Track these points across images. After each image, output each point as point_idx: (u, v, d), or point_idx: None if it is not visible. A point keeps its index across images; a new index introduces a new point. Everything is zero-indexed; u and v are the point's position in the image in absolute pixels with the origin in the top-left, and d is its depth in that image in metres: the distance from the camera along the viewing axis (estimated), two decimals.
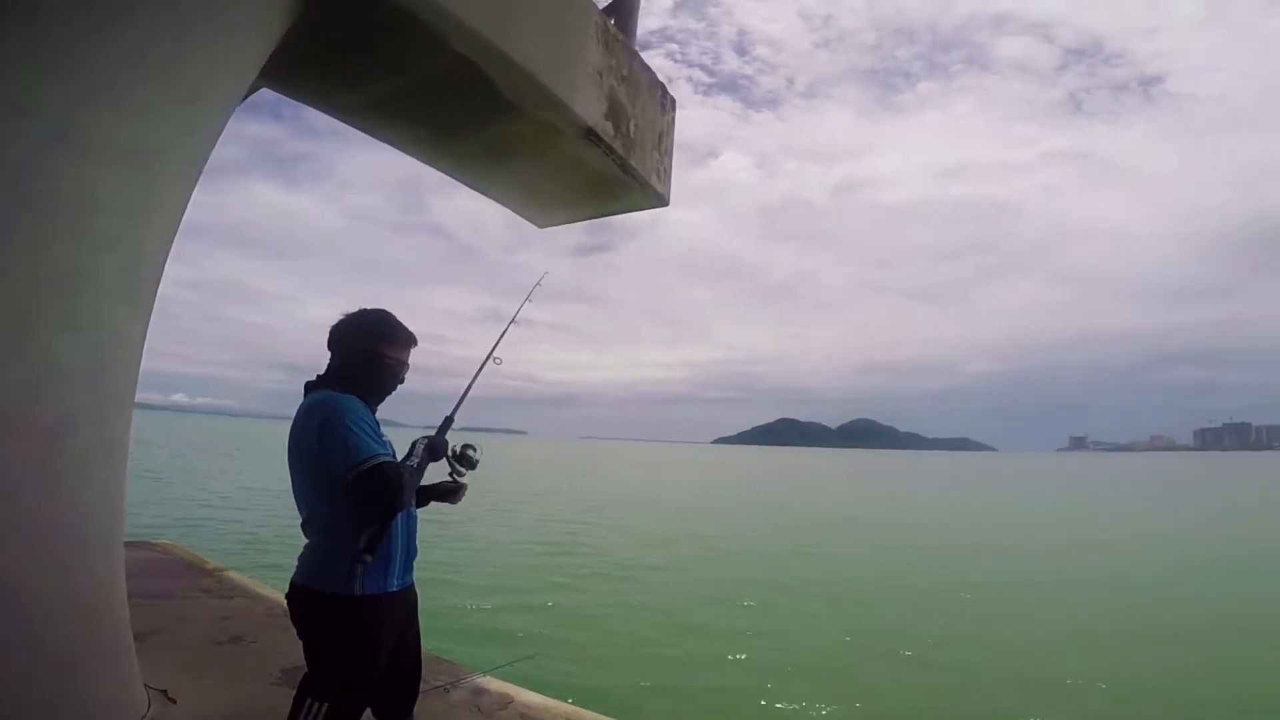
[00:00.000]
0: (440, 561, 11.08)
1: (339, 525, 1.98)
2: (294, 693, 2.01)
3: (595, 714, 2.96)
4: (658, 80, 4.38)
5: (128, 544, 6.08)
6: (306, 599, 2.01)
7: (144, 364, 2.64)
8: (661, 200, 4.77)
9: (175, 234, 2.71)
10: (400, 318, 2.15)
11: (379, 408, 2.16)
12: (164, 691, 2.82)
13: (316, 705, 1.99)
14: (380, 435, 1.99)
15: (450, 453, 2.23)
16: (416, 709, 2.55)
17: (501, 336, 2.48)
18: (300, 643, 2.00)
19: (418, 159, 4.38)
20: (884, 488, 43.01)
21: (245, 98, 4.37)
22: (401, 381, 2.17)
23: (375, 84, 3.42)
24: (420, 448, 2.11)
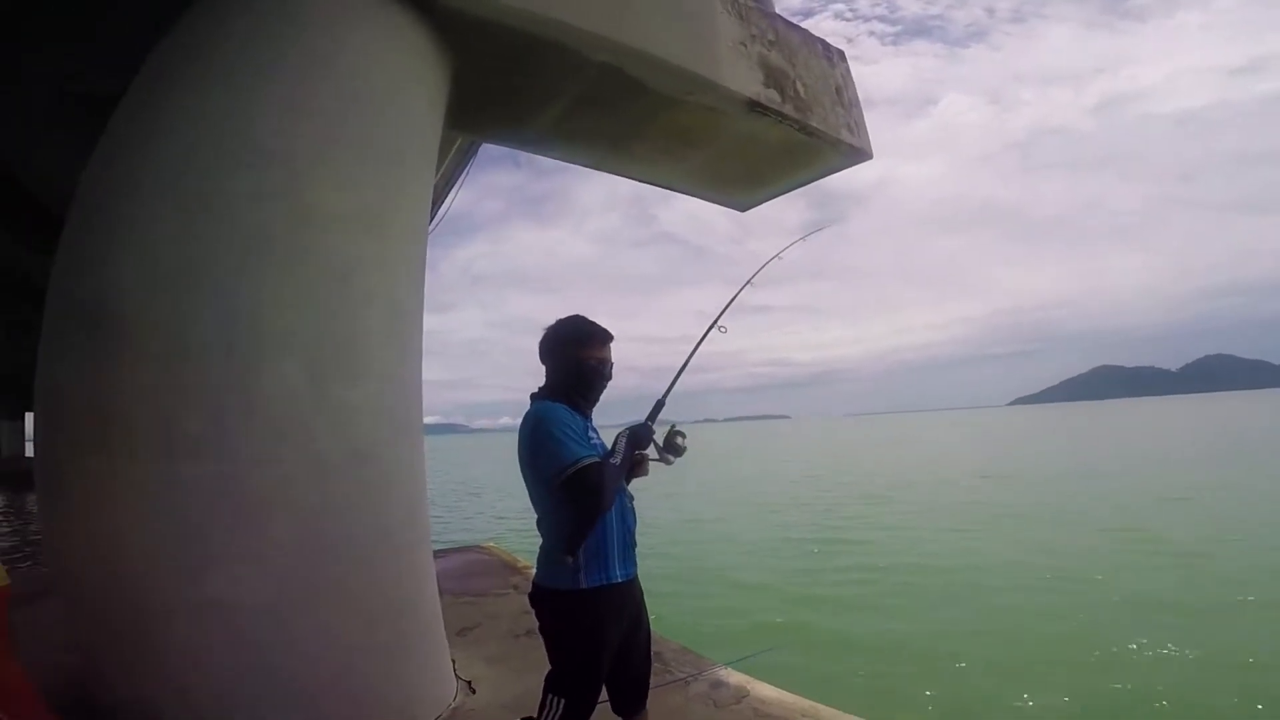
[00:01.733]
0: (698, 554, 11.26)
1: (556, 526, 2.12)
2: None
3: (834, 710, 2.81)
4: (813, 36, 4.06)
5: (459, 549, 7.14)
6: (539, 595, 2.18)
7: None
8: (862, 154, 4.42)
9: (422, 283, 3.06)
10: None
11: (601, 409, 2.30)
12: (469, 682, 3.20)
13: (555, 699, 2.15)
14: (586, 437, 2.11)
15: (655, 440, 2.26)
16: (655, 702, 2.64)
17: (727, 306, 2.53)
18: None
19: (610, 171, 4.60)
20: None
21: (453, 149, 4.92)
22: (609, 378, 2.25)
23: (544, 111, 3.68)
24: (622, 442, 2.18)
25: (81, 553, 2.38)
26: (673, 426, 2.30)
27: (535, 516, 2.18)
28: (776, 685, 3.13)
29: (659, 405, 2.34)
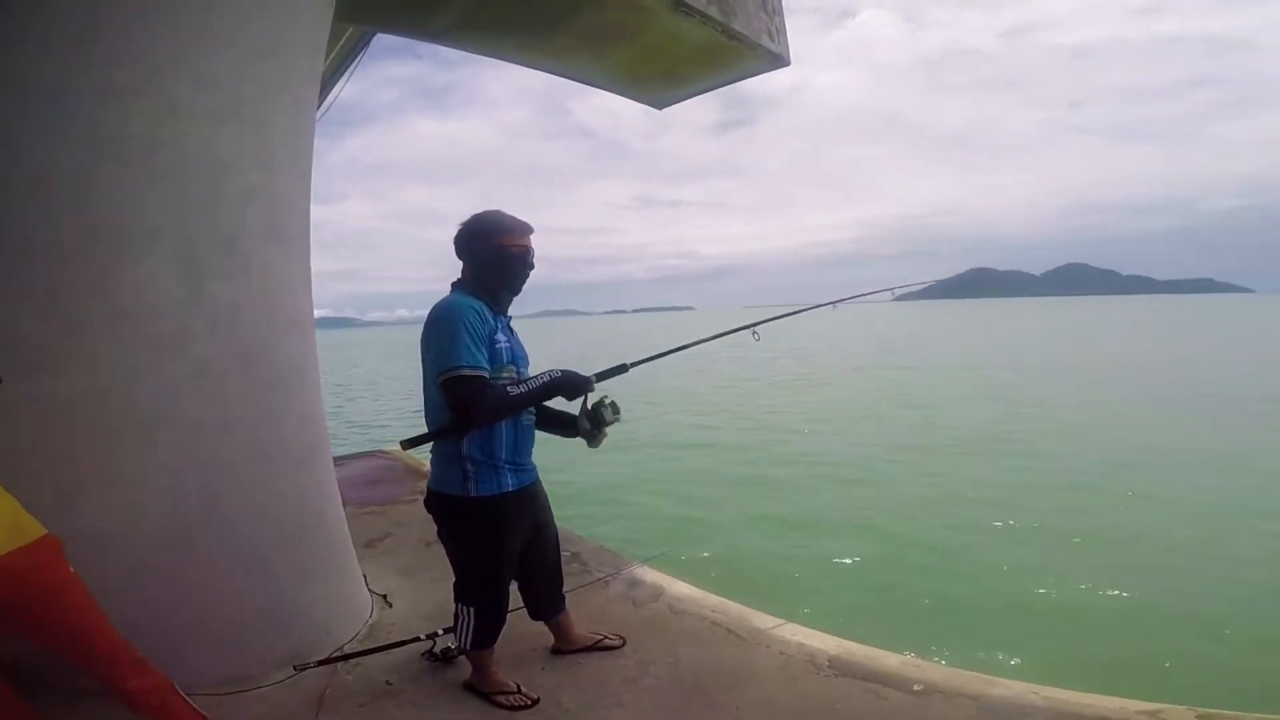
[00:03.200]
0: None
1: (434, 422, 2.14)
2: None
3: (744, 606, 3.02)
4: None
5: (358, 455, 6.96)
6: (432, 500, 2.22)
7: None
8: (780, 60, 4.35)
9: (309, 177, 2.88)
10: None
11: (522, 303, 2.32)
12: (384, 596, 3.16)
13: (465, 609, 2.22)
14: (490, 340, 2.08)
15: (587, 402, 2.24)
16: (576, 602, 2.77)
17: (765, 321, 2.73)
18: None
19: (523, 65, 4.35)
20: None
21: (342, 39, 4.48)
22: (532, 266, 2.23)
23: (452, 2, 3.36)
24: (543, 378, 2.16)
25: None
26: (610, 400, 2.25)
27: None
28: (690, 582, 3.30)
29: (620, 369, 2.35)
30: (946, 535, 6.63)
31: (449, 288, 2.21)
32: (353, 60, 5.62)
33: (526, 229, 2.22)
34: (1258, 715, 2.01)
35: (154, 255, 2.25)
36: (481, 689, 2.29)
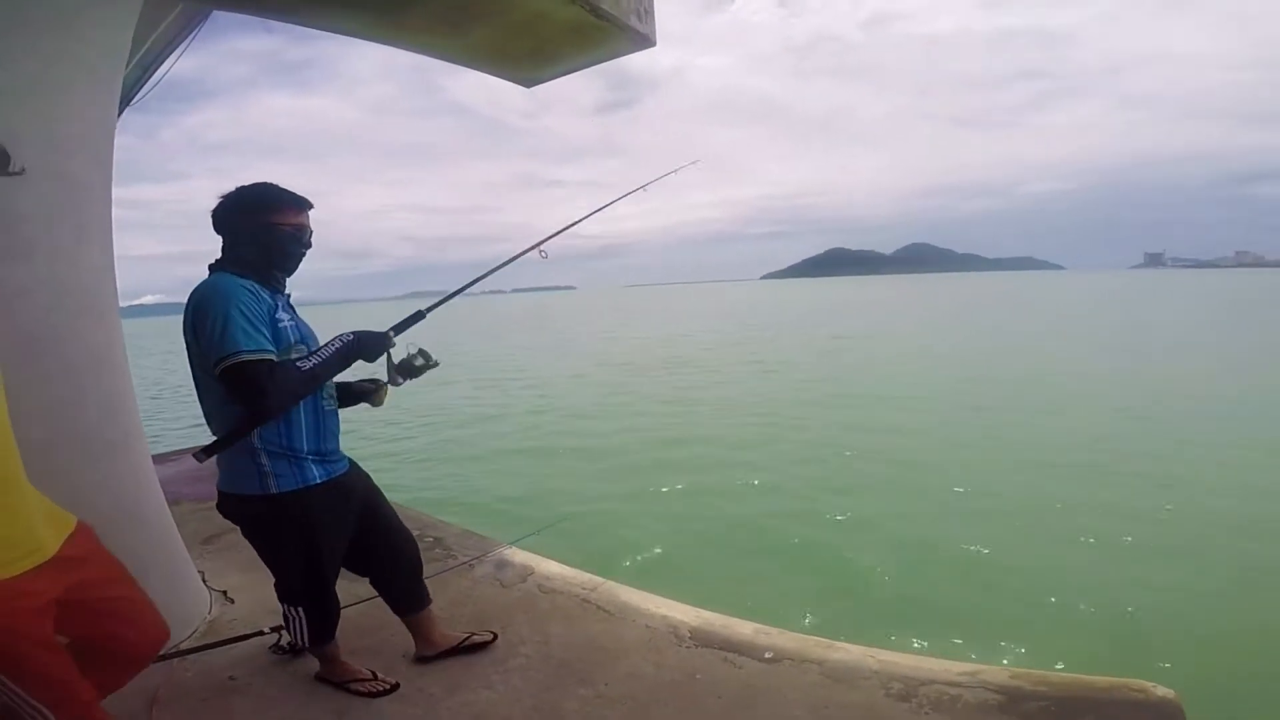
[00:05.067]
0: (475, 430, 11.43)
1: (224, 421, 1.86)
2: None
3: (614, 582, 3.08)
4: None
5: (191, 449, 6.43)
6: (230, 506, 1.99)
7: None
8: (647, 41, 4.39)
9: (110, 158, 2.65)
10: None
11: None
12: (224, 592, 3.04)
13: (294, 610, 2.08)
14: (272, 320, 1.85)
15: (391, 357, 2.09)
16: (440, 588, 2.70)
17: (553, 235, 2.62)
18: None
19: (377, 41, 4.10)
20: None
21: (172, 15, 4.09)
22: (308, 245, 2.01)
23: None
24: (334, 346, 1.93)
25: None
26: (418, 349, 2.15)
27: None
28: (561, 561, 3.32)
29: (416, 317, 2.17)
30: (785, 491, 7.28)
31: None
32: (187, 35, 5.13)
33: (304, 204, 1.99)
34: (1064, 674, 2.30)
35: None
36: (334, 679, 2.19)
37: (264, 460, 1.88)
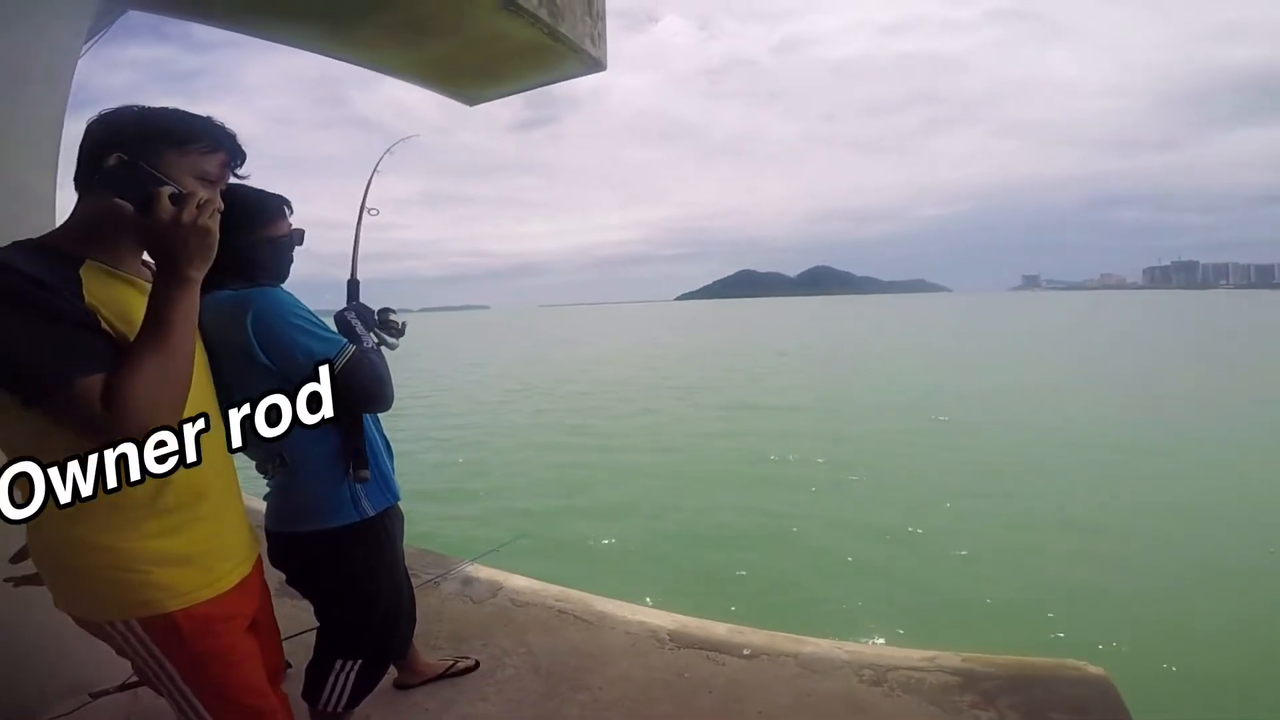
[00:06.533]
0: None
1: (321, 443, 1.66)
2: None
3: (584, 593, 3.11)
4: None
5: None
6: (309, 543, 1.71)
7: None
8: (598, 65, 4.50)
9: (57, 161, 2.50)
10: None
11: None
12: None
13: (348, 663, 1.81)
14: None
15: (374, 320, 1.94)
16: None
17: (367, 190, 2.37)
18: None
19: (322, 53, 3.99)
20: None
21: (110, 22, 3.94)
22: (298, 245, 1.83)
23: None
24: (359, 325, 1.80)
25: None
26: (383, 307, 2.00)
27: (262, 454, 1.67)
28: (526, 575, 3.33)
29: (354, 284, 2.06)
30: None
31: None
32: (91, 39, 4.89)
33: (289, 208, 1.79)
34: (1010, 655, 2.52)
35: None
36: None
37: (357, 483, 1.71)
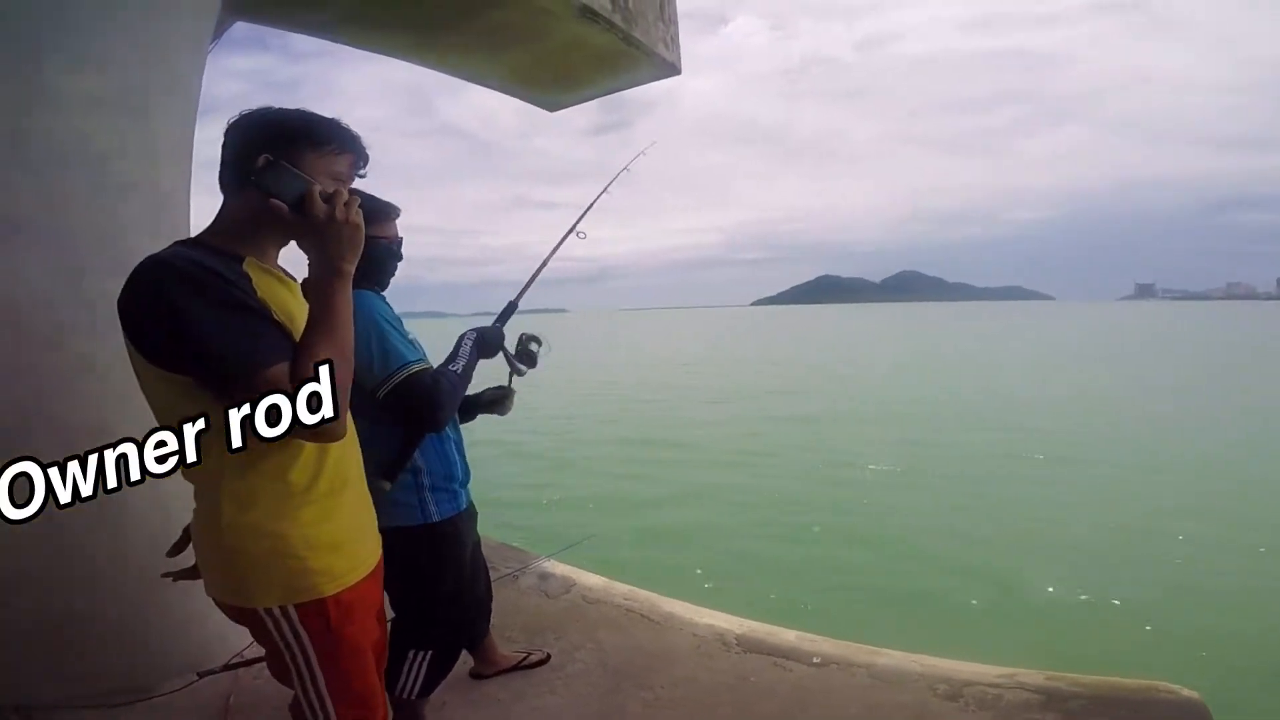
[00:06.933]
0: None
1: (376, 448, 1.63)
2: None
3: (651, 593, 3.15)
4: None
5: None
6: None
7: None
8: (673, 69, 4.56)
9: (189, 171, 2.70)
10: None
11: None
12: None
13: (419, 654, 1.91)
14: (406, 332, 1.76)
15: (506, 348, 2.02)
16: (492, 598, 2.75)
17: (585, 212, 2.44)
18: None
19: (411, 61, 4.24)
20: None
21: (219, 34, 4.24)
22: (400, 257, 1.92)
23: None
24: (468, 345, 1.86)
25: None
26: (525, 333, 2.10)
27: None
28: (599, 573, 3.40)
29: (511, 307, 2.14)
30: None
31: None
32: (208, 48, 5.28)
33: (395, 212, 1.91)
34: (1096, 676, 2.38)
35: (28, 248, 2.07)
36: None
37: (426, 489, 1.80)
